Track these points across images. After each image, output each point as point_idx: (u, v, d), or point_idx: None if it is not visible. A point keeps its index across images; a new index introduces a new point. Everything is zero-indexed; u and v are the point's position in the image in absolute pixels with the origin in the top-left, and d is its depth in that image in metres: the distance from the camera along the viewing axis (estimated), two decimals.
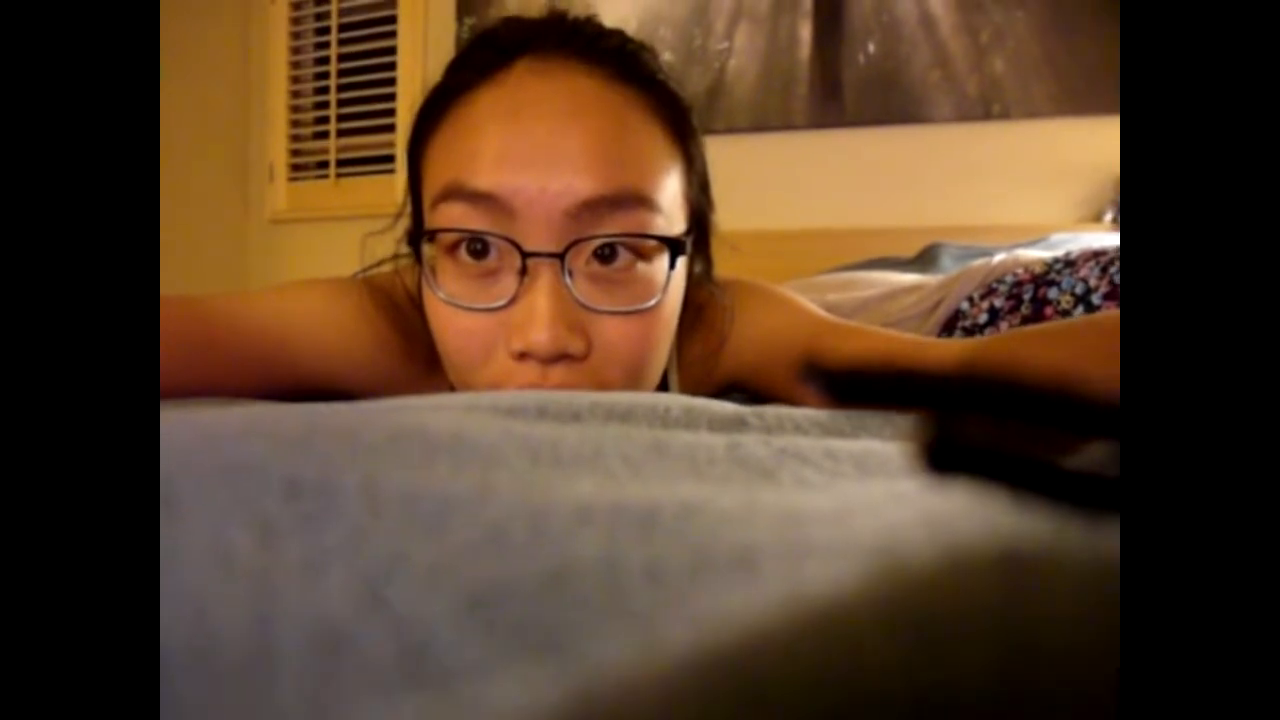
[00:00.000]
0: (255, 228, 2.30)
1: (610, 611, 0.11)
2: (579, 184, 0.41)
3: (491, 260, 0.43)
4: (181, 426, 0.17)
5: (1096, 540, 0.11)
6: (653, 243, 0.43)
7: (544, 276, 0.41)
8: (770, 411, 0.30)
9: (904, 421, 0.27)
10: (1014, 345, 0.43)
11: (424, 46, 2.07)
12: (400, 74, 2.09)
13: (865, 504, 0.15)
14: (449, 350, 0.45)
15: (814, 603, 0.11)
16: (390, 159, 2.11)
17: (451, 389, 0.49)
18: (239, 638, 0.10)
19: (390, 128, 2.10)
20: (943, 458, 0.12)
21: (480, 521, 0.12)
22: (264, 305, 0.50)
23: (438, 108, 0.46)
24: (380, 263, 0.56)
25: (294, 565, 0.11)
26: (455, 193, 0.42)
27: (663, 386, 0.55)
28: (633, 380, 0.45)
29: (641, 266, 0.44)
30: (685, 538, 0.13)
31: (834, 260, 1.38)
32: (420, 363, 0.53)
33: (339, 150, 2.19)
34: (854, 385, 0.12)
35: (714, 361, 0.57)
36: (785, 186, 1.74)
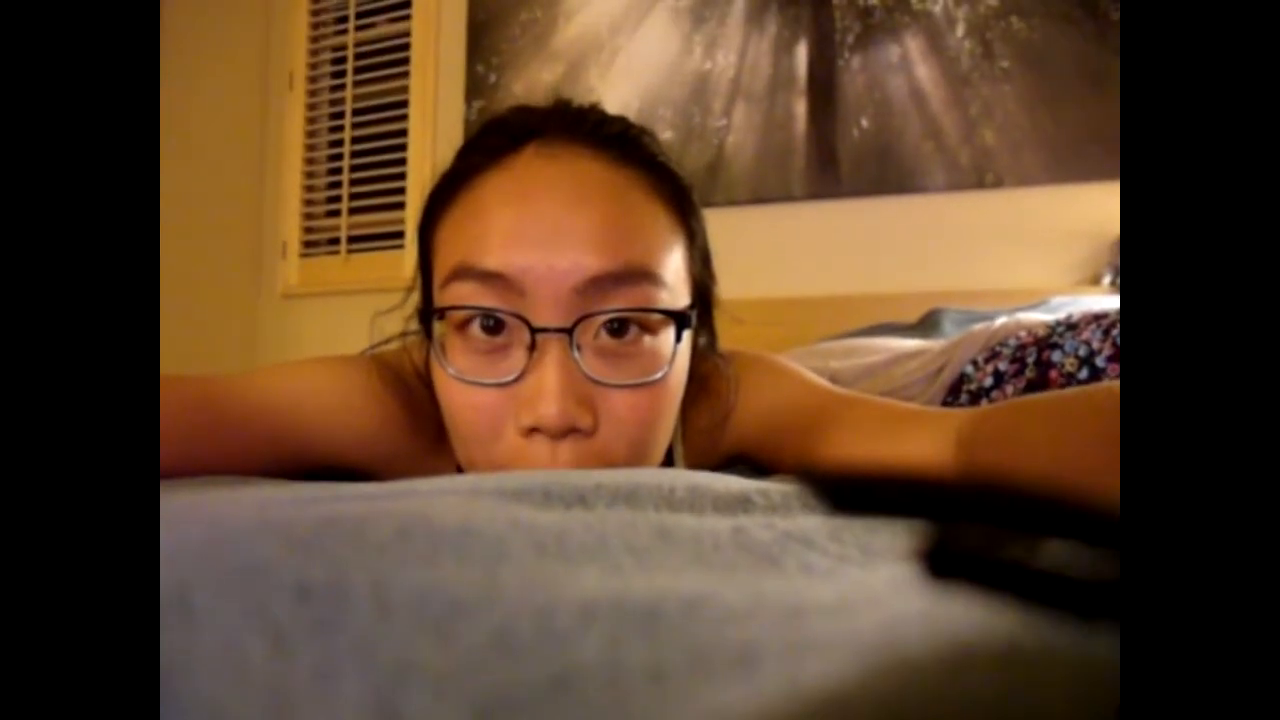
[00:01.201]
0: (267, 302, 2.34)
1: (613, 714, 0.11)
2: (586, 261, 0.42)
3: (501, 337, 0.44)
4: (194, 525, 0.17)
5: (1090, 642, 0.11)
6: (658, 317, 0.45)
7: (552, 352, 0.42)
8: (775, 490, 0.30)
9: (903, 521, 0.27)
10: (1004, 422, 0.43)
11: (434, 128, 2.15)
12: (411, 154, 2.17)
13: (869, 596, 0.15)
14: (458, 426, 0.45)
15: (814, 700, 0.11)
16: (400, 235, 2.16)
17: (458, 466, 0.49)
18: None
19: (400, 205, 2.16)
20: (941, 564, 0.12)
21: (487, 625, 0.13)
22: (272, 384, 0.51)
23: (448, 190, 0.48)
24: (389, 340, 0.57)
25: (307, 674, 0.11)
26: (465, 272, 0.43)
27: (668, 459, 0.55)
28: (639, 454, 0.45)
29: (648, 340, 0.45)
30: (688, 636, 0.13)
31: (835, 327, 1.39)
32: (427, 439, 0.53)
33: (350, 227, 2.25)
34: (851, 496, 0.12)
35: (719, 433, 0.58)
36: (785, 256, 1.77)
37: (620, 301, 0.43)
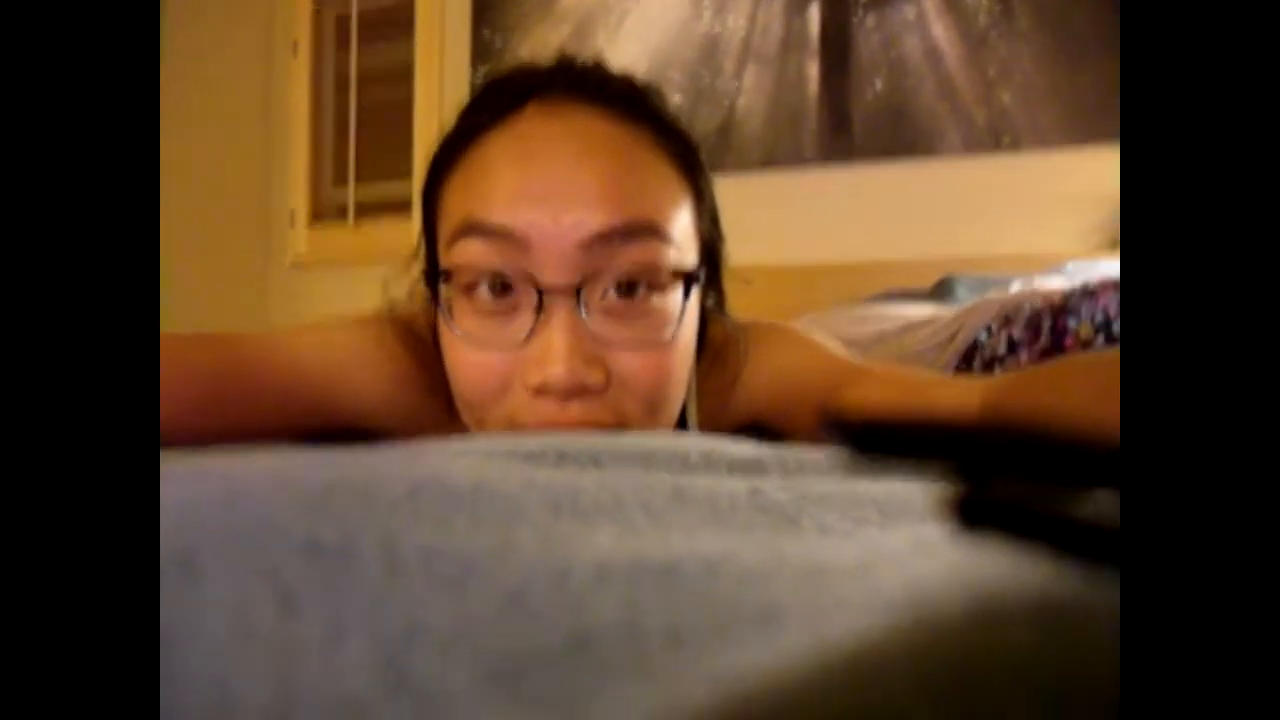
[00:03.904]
0: (276, 273, 2.34)
1: (631, 675, 0.11)
2: (592, 217, 0.42)
3: (508, 298, 0.43)
4: (201, 482, 0.17)
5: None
6: (667, 274, 0.44)
7: (560, 311, 0.42)
8: (791, 453, 0.30)
9: (925, 467, 0.27)
10: (1033, 388, 0.42)
11: (440, 94, 2.12)
12: (417, 120, 2.14)
13: (890, 555, 0.15)
14: (464, 387, 0.45)
15: (841, 657, 0.11)
16: (408, 204, 2.15)
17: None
18: (260, 710, 0.09)
19: (408, 173, 2.14)
20: (973, 512, 0.11)
21: (500, 584, 0.12)
22: (289, 343, 0.51)
23: (452, 151, 0.47)
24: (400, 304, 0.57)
25: (314, 635, 0.11)
26: (471, 229, 0.43)
27: (681, 422, 0.55)
28: (652, 412, 0.45)
29: (656, 299, 0.44)
30: (706, 596, 0.13)
31: (847, 295, 1.38)
32: (443, 398, 0.53)
33: (358, 195, 2.24)
34: (873, 436, 0.12)
35: (733, 398, 0.57)
36: (796, 222, 1.75)
37: (628, 258, 0.43)
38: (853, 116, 1.74)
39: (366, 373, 0.51)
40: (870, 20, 1.74)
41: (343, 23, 2.31)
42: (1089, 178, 1.59)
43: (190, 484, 0.17)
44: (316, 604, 0.12)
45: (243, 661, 0.10)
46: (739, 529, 0.18)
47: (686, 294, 0.45)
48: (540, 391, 0.42)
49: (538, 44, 2.01)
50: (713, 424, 0.57)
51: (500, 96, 0.46)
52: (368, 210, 2.24)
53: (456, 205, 0.45)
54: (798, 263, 1.66)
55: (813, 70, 1.77)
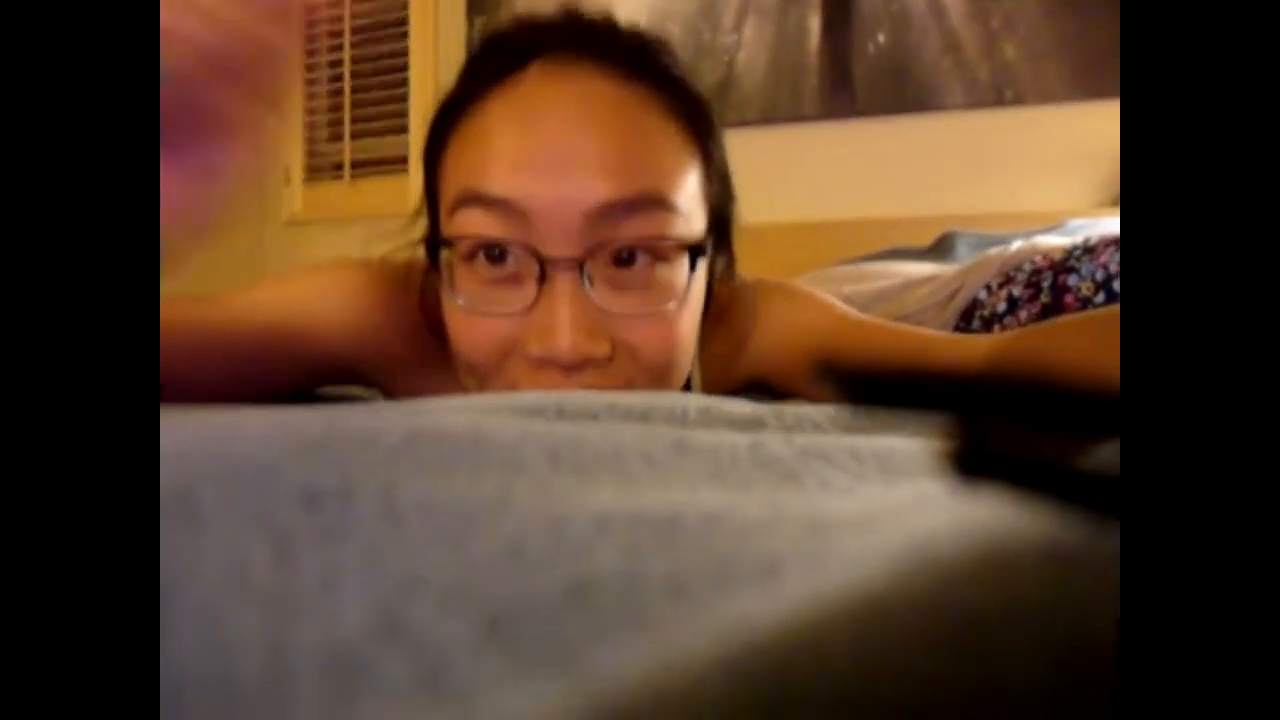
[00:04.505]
0: (272, 230, 2.32)
1: (631, 624, 0.10)
2: (596, 188, 0.41)
3: (509, 266, 0.42)
4: (199, 430, 0.17)
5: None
6: (673, 246, 0.43)
7: (563, 282, 0.41)
8: (789, 410, 0.30)
9: (926, 420, 0.27)
10: (1036, 343, 0.42)
11: (435, 48, 2.07)
12: (412, 74, 2.10)
13: (893, 509, 0.14)
14: (467, 353, 0.44)
15: (843, 606, 0.11)
16: (404, 160, 2.12)
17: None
18: (254, 658, 0.09)
19: (403, 129, 2.11)
20: (972, 463, 0.11)
21: (499, 534, 0.12)
22: (251, 295, 0.50)
23: (452, 114, 0.45)
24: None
25: (311, 583, 0.11)
26: (471, 199, 0.42)
27: (686, 385, 0.55)
28: (658, 381, 0.44)
29: (661, 269, 0.43)
30: (707, 547, 0.13)
31: (848, 251, 1.37)
32: (428, 349, 0.52)
33: (354, 151, 2.20)
34: (873, 387, 0.12)
35: (737, 359, 0.57)
36: (797, 178, 1.73)
37: (632, 230, 0.42)
38: (854, 71, 1.70)
39: (335, 314, 0.50)
40: None
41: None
42: (1092, 134, 1.56)
43: (186, 426, 0.17)
44: (313, 553, 0.11)
45: (238, 610, 0.10)
46: (740, 483, 0.18)
47: (693, 264, 0.44)
48: (544, 362, 0.42)
49: None
50: (717, 385, 0.57)
51: (501, 56, 0.45)
52: (364, 166, 2.20)
53: (456, 172, 0.44)
54: (799, 219, 1.65)
55: (814, 24, 1.72)
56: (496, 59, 0.45)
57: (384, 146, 2.16)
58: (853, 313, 0.57)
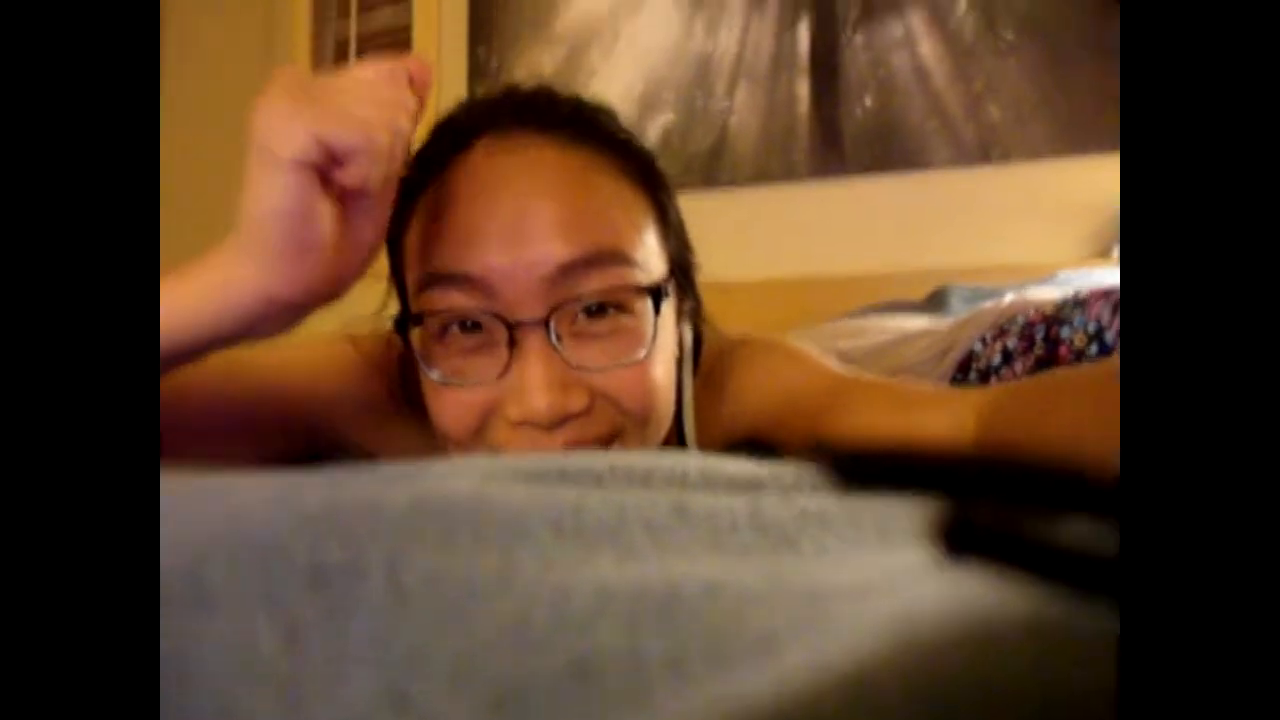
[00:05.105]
0: None
1: (632, 703, 0.11)
2: (552, 250, 0.42)
3: (481, 335, 0.43)
4: (204, 506, 0.17)
5: (1114, 618, 0.11)
6: (635, 294, 0.44)
7: (533, 344, 0.42)
8: (788, 471, 0.30)
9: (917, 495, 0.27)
10: (1028, 411, 0.42)
11: (436, 111, 2.13)
12: (412, 139, 2.15)
13: (887, 578, 0.15)
14: (447, 425, 0.45)
15: (837, 684, 0.11)
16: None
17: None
18: None
19: None
20: (960, 538, 0.12)
21: (503, 610, 0.12)
22: (256, 358, 0.52)
23: (408, 199, 0.46)
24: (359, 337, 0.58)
25: (320, 663, 0.11)
26: (434, 280, 0.43)
27: (680, 439, 0.55)
28: (642, 423, 0.45)
29: (626, 319, 0.44)
30: (706, 622, 0.13)
31: (843, 307, 1.38)
32: (412, 421, 0.53)
33: None
34: (864, 470, 0.12)
35: (729, 415, 0.58)
36: (791, 236, 1.76)
37: (592, 285, 0.43)
38: (843, 132, 1.76)
39: (336, 384, 0.53)
40: (859, 38, 1.76)
41: (342, 46, 2.33)
42: (1078, 188, 1.60)
43: (191, 504, 0.17)
44: (321, 633, 0.12)
45: (250, 693, 0.11)
46: (739, 549, 0.19)
47: (657, 309, 0.45)
48: (524, 424, 0.42)
49: (533, 64, 2.02)
50: (712, 441, 0.57)
51: (448, 137, 0.46)
52: None
53: (417, 253, 0.45)
54: (793, 276, 1.67)
55: (803, 88, 1.78)
56: (444, 140, 0.47)
57: None
58: (844, 369, 0.57)
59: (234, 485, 0.20)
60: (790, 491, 0.27)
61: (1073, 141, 1.61)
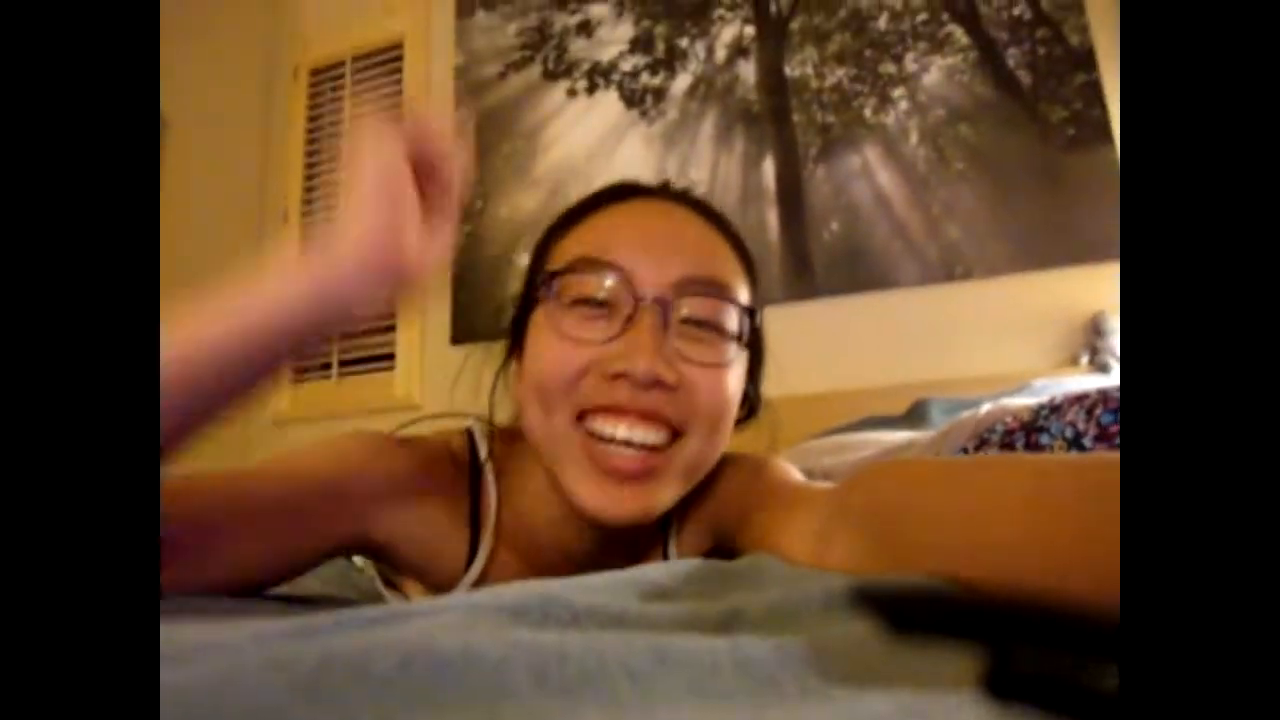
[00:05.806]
0: (257, 429, 2.32)
1: None
2: (685, 263, 0.53)
3: (603, 310, 0.52)
4: (194, 675, 0.18)
5: None
6: (730, 325, 0.54)
7: (649, 319, 0.51)
8: (770, 598, 0.30)
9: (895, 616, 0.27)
10: (896, 496, 0.42)
11: None
12: None
13: None
14: (546, 372, 0.52)
15: None
16: (390, 357, 2.18)
17: (474, 529, 0.57)
18: None
19: (390, 327, 2.20)
20: (1003, 686, 0.12)
21: None
22: (290, 461, 0.54)
23: (570, 218, 0.59)
24: (434, 416, 0.64)
25: None
26: (584, 263, 0.53)
27: (665, 527, 0.61)
28: (706, 430, 0.53)
29: (719, 341, 0.53)
30: None
31: (823, 424, 1.40)
32: (456, 508, 0.58)
33: (340, 350, 2.27)
34: (907, 614, 0.13)
35: (706, 513, 0.62)
36: (767, 357, 1.80)
37: (703, 303, 0.53)
38: (813, 256, 1.84)
39: (363, 459, 0.55)
40: (820, 171, 1.88)
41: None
42: (1041, 299, 1.67)
43: (182, 671, 0.17)
44: None
45: None
46: (722, 694, 0.19)
47: (741, 343, 0.55)
48: (619, 377, 0.50)
49: (514, 205, 2.13)
50: (690, 545, 0.62)
51: (608, 192, 0.60)
52: (351, 365, 2.26)
53: (569, 249, 0.55)
54: (770, 395, 1.69)
55: (772, 218, 1.89)
56: (606, 192, 0.59)
57: (371, 344, 2.24)
58: (786, 476, 0.61)
59: (221, 637, 0.20)
60: (769, 624, 0.28)
61: (1028, 258, 1.70)
